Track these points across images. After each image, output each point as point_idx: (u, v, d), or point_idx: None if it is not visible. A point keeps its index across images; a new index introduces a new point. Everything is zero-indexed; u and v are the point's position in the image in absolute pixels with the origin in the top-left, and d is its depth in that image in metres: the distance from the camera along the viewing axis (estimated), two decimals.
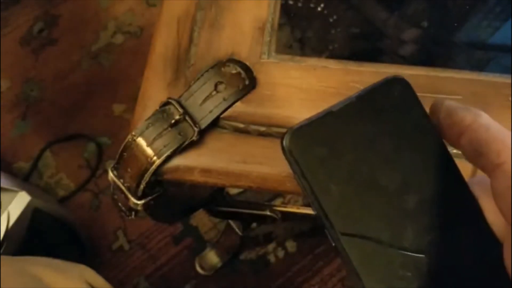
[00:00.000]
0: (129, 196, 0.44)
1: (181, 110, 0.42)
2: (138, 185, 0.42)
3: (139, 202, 0.44)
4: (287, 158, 0.23)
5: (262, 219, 0.76)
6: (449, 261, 0.23)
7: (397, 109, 0.24)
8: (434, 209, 0.23)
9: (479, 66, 0.49)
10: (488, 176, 0.22)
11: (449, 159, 0.24)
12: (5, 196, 0.80)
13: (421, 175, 0.23)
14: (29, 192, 0.82)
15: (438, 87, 0.43)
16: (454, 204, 0.23)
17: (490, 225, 0.23)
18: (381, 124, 0.23)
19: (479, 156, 0.22)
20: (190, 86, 0.43)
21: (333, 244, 0.23)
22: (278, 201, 1.05)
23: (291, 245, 1.05)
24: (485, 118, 0.23)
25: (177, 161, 0.42)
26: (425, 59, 0.50)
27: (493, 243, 0.23)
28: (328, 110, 0.23)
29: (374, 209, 0.23)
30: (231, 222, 0.97)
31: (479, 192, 0.23)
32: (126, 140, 0.42)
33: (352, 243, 0.22)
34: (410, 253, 0.22)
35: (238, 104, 0.43)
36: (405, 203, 0.23)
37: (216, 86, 0.43)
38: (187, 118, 0.42)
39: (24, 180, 1.12)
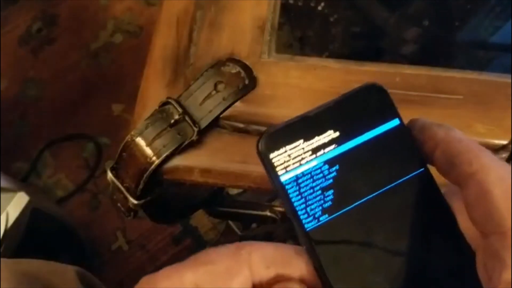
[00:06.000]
0: (128, 196, 0.43)
1: (180, 110, 0.42)
2: (137, 185, 0.42)
3: (138, 202, 0.44)
4: (262, 162, 0.23)
5: (262, 220, 0.75)
6: (422, 270, 0.23)
7: (372, 116, 0.24)
8: (407, 217, 0.23)
9: (480, 66, 0.49)
10: (460, 188, 0.22)
11: (424, 167, 0.24)
12: (4, 196, 0.80)
13: (394, 181, 0.23)
14: (28, 192, 0.82)
15: (439, 86, 0.43)
16: (428, 213, 0.23)
17: (464, 235, 0.23)
18: (355, 130, 0.24)
19: (452, 167, 0.22)
20: (189, 86, 0.43)
21: (304, 247, 0.23)
22: (278, 201, 1.04)
23: None
24: (457, 132, 0.23)
25: (176, 161, 0.42)
26: (426, 58, 0.50)
27: (467, 253, 0.23)
28: (304, 114, 0.24)
29: (346, 213, 0.23)
30: (230, 222, 0.96)
31: (454, 203, 0.23)
32: (125, 140, 0.42)
33: (322, 245, 0.22)
34: (382, 259, 0.22)
35: (238, 103, 0.43)
36: (378, 209, 0.23)
37: (215, 85, 0.43)
38: (186, 118, 0.42)
39: (23, 180, 1.11)
